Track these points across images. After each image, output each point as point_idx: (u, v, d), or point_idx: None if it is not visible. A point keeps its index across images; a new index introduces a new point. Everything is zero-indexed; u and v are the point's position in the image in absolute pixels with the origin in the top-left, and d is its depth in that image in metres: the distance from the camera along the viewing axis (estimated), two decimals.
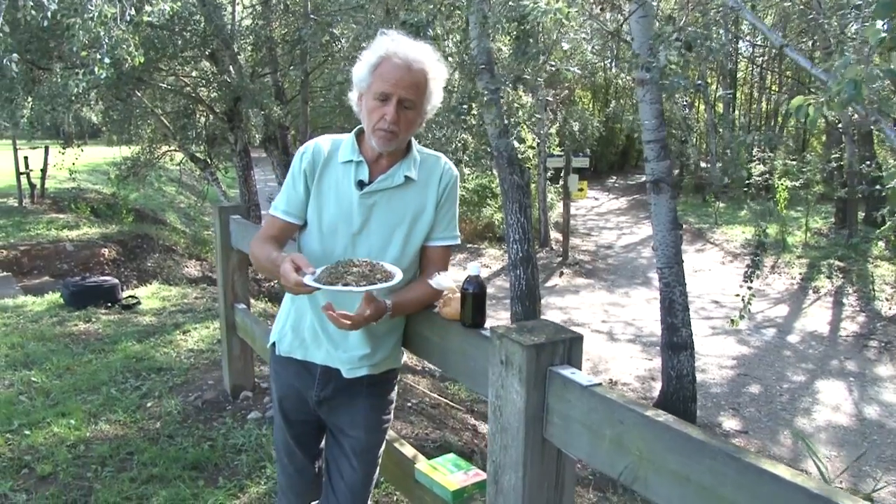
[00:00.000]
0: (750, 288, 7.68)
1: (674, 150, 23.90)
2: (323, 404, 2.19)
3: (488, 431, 1.71)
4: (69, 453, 3.57)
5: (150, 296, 7.03)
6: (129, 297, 6.74)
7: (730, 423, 8.74)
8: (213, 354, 5.05)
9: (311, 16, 10.46)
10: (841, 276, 14.38)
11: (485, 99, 5.87)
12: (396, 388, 2.29)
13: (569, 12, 4.37)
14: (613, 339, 11.77)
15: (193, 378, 4.58)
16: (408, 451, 2.43)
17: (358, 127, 2.14)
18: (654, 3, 6.72)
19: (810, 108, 2.88)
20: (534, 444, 1.59)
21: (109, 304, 6.42)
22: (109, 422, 3.92)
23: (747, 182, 18.87)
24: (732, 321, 7.85)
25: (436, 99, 2.07)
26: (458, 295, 1.92)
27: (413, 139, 2.14)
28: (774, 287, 14.45)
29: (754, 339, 11.48)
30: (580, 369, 1.58)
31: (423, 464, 2.20)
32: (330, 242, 2.10)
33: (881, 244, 15.52)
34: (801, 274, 14.86)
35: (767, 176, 17.12)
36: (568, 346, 1.58)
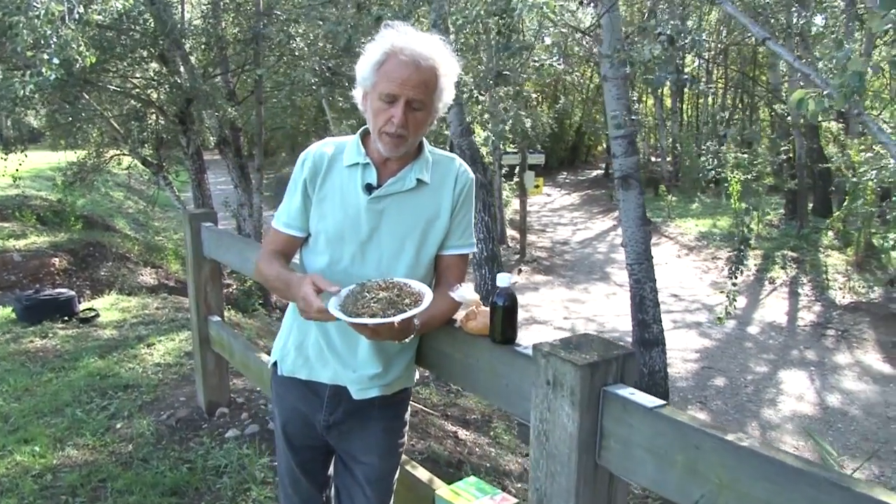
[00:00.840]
0: (735, 284, 7.66)
1: None
2: (332, 429, 2.03)
3: (531, 457, 1.57)
4: (35, 484, 3.31)
5: (108, 307, 6.71)
6: (87, 309, 6.42)
7: (698, 417, 8.75)
8: (181, 368, 4.80)
9: (276, 12, 10.18)
10: (794, 266, 14.64)
11: (464, 97, 5.74)
12: (409, 408, 2.13)
13: (555, 6, 4.26)
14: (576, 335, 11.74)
15: (164, 395, 4.33)
16: (422, 474, 2.27)
17: (363, 127, 1.98)
18: None
19: (810, 102, 2.81)
20: (586, 470, 1.45)
21: (66, 318, 6.08)
22: (77, 447, 3.66)
23: (699, 175, 19.06)
24: (720, 319, 7.82)
25: (447, 96, 1.91)
26: (485, 308, 1.78)
27: (424, 139, 1.99)
28: None
29: (715, 331, 11.58)
30: (633, 387, 1.45)
31: (444, 490, 2.04)
32: (336, 252, 1.94)
33: (830, 234, 15.86)
34: (756, 265, 15.07)
35: (720, 169, 17.32)
36: (621, 363, 1.45)
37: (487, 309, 1.77)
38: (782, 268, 14.65)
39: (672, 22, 4.80)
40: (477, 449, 4.95)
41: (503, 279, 1.72)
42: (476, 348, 1.82)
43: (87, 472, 3.38)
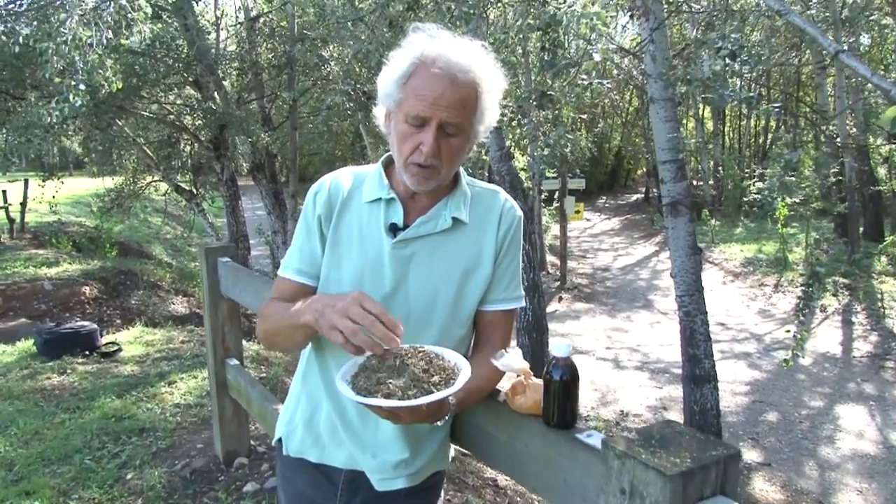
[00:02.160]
0: (802, 323, 7.08)
1: None
2: None
3: None
4: None
5: (132, 340, 6.46)
6: (109, 343, 6.17)
7: (750, 455, 8.29)
8: (201, 410, 4.50)
9: (305, 31, 10.01)
10: (847, 293, 14.02)
11: (505, 119, 5.40)
12: (443, 492, 1.78)
13: (606, 17, 3.93)
14: (620, 366, 11.30)
15: (180, 441, 4.02)
16: None
17: (387, 154, 1.64)
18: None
19: None
20: None
21: (87, 353, 5.84)
22: (82, 501, 3.35)
23: (744, 199, 18.59)
24: (786, 362, 7.24)
25: (490, 118, 1.54)
26: (536, 381, 1.43)
27: (461, 169, 1.64)
28: (779, 307, 14.08)
29: (765, 362, 11.06)
30: (737, 500, 1.09)
31: None
32: None
33: (884, 259, 15.22)
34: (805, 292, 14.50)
35: (767, 192, 16.84)
36: (723, 469, 1.09)
37: (539, 382, 1.42)
38: (834, 295, 14.02)
39: (734, 35, 4.43)
40: (518, 499, 4.56)
41: (560, 348, 1.36)
42: (525, 431, 1.46)
43: None
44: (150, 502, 3.33)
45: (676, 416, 8.88)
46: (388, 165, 1.63)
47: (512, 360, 1.42)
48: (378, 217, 1.57)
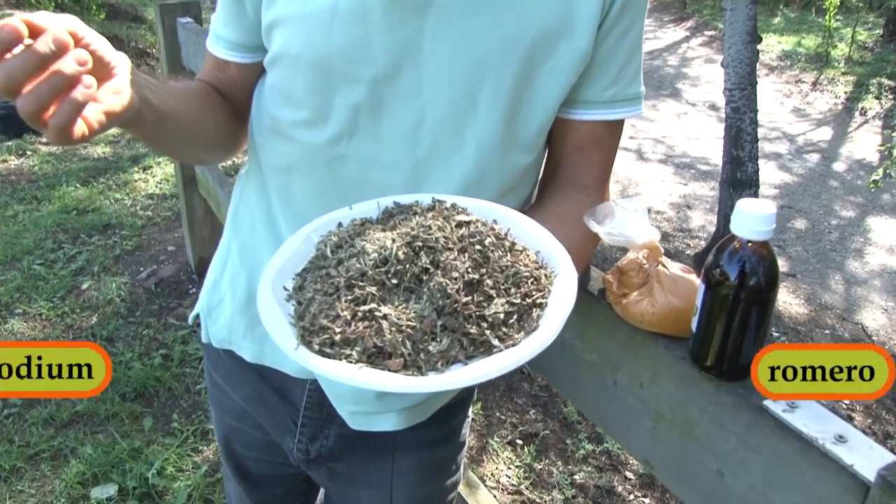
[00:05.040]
0: None
1: None
2: (318, 464, 1.02)
3: None
4: None
5: None
6: None
7: None
8: (177, 203, 3.88)
9: None
10: (891, 96, 13.06)
11: None
12: (470, 415, 1.12)
13: None
14: (643, 158, 10.62)
15: (149, 242, 3.43)
16: None
17: None
18: None
19: None
20: None
21: None
22: (25, 317, 2.81)
23: None
24: (874, 182, 6.41)
25: None
26: (673, 269, 0.73)
27: None
28: (816, 106, 13.19)
29: (797, 165, 10.41)
30: None
31: None
32: (321, 108, 0.81)
33: None
34: (846, 93, 13.53)
35: None
36: None
37: (680, 273, 0.73)
38: (877, 97, 13.07)
39: None
40: None
41: (750, 218, 0.65)
42: (643, 361, 0.75)
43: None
44: (107, 320, 2.78)
45: (701, 216, 8.36)
46: None
47: (628, 224, 0.71)
48: None
